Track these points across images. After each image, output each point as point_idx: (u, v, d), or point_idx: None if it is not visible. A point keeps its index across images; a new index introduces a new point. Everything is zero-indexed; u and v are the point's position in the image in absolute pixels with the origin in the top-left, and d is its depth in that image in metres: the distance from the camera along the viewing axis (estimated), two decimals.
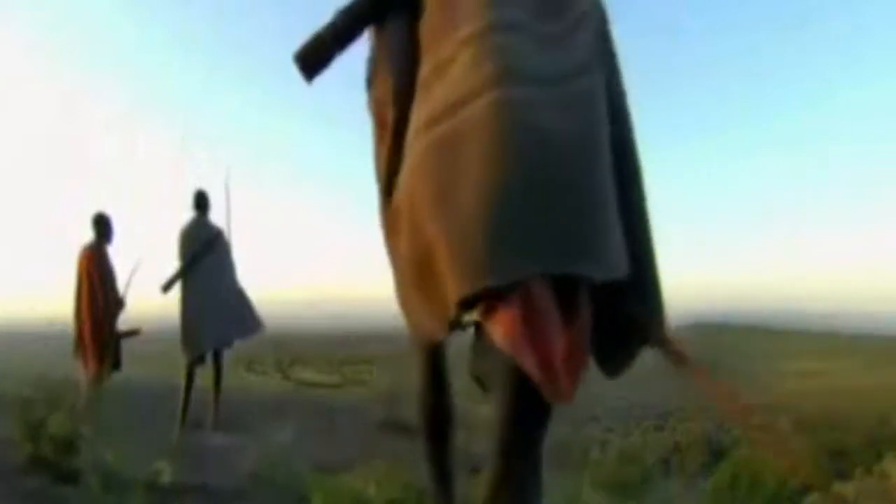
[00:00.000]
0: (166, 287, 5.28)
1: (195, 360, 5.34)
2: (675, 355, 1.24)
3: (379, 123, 1.29)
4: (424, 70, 1.16)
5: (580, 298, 1.02)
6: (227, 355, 5.63)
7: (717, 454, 7.72)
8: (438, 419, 1.58)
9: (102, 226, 5.28)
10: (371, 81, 1.31)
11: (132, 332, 5.37)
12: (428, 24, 1.19)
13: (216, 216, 5.58)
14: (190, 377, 5.33)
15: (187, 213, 5.55)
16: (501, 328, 1.00)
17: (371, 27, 1.29)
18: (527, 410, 1.09)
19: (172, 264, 5.34)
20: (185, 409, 5.29)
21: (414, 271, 1.11)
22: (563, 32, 1.12)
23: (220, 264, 5.43)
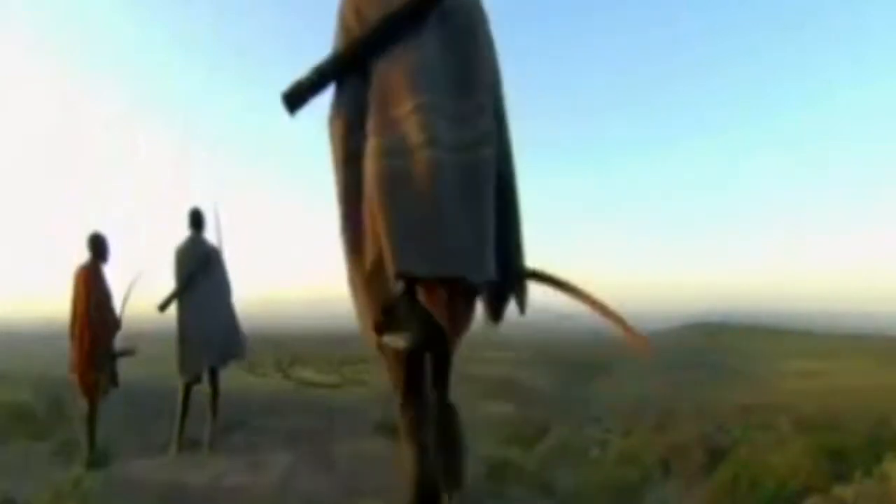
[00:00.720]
0: (163, 306, 5.31)
1: (192, 380, 5.34)
2: (550, 280, 1.86)
3: (336, 152, 1.82)
4: (372, 122, 1.72)
5: (462, 286, 1.65)
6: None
7: (716, 455, 7.70)
8: (420, 417, 1.89)
9: (98, 245, 5.27)
10: (331, 120, 1.84)
11: (128, 352, 5.41)
12: (374, 91, 1.74)
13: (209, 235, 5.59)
14: (186, 396, 5.32)
15: (187, 211, 5.53)
16: (424, 291, 1.64)
17: (339, 79, 1.83)
18: (438, 337, 1.72)
19: (168, 282, 5.36)
20: (181, 427, 5.29)
21: (371, 271, 1.71)
22: (471, 111, 1.72)
23: (217, 283, 5.44)
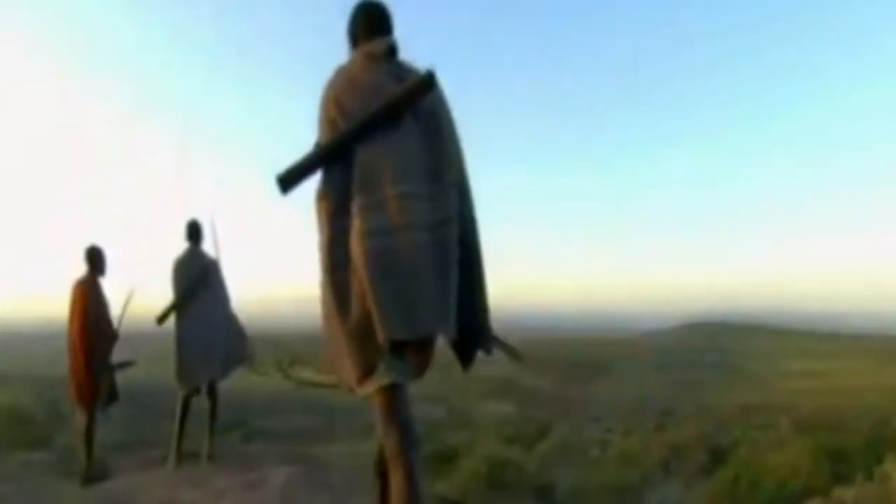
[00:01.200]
0: (161, 319, 5.28)
1: (191, 393, 5.31)
2: (505, 347, 2.37)
3: (322, 233, 2.13)
4: (357, 204, 2.01)
5: (433, 339, 2.06)
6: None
7: (716, 455, 7.70)
8: (407, 443, 2.09)
9: (95, 258, 5.24)
10: (319, 198, 2.13)
11: (127, 364, 5.37)
12: (358, 176, 2.05)
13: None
14: (185, 408, 5.30)
15: (185, 223, 5.52)
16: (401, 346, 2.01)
17: (327, 165, 2.15)
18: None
19: (166, 294, 5.33)
20: (179, 441, 5.26)
21: (354, 326, 2.04)
22: (440, 193, 2.05)
23: (215, 296, 5.42)
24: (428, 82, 2.16)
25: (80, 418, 5.18)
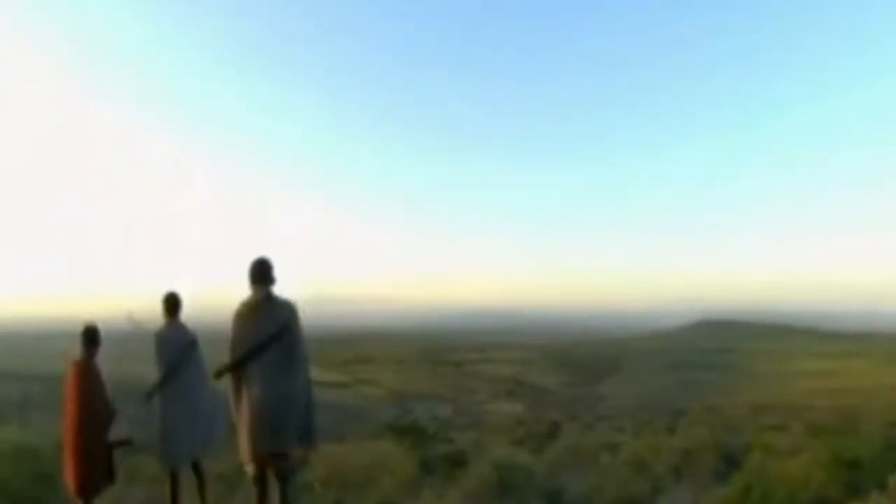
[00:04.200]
0: (149, 396, 5.31)
1: (175, 471, 5.33)
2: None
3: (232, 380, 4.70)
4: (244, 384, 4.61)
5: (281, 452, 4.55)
6: None
7: (728, 460, 7.63)
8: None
9: (91, 338, 5.18)
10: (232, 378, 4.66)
11: (124, 443, 5.24)
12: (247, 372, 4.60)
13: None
14: (174, 485, 5.32)
15: (163, 297, 5.51)
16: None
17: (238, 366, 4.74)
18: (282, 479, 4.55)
19: (150, 369, 5.36)
20: None
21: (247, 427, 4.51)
22: (272, 326, 4.50)
23: (199, 373, 5.45)
24: (279, 334, 4.42)
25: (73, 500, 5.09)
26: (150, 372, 5.40)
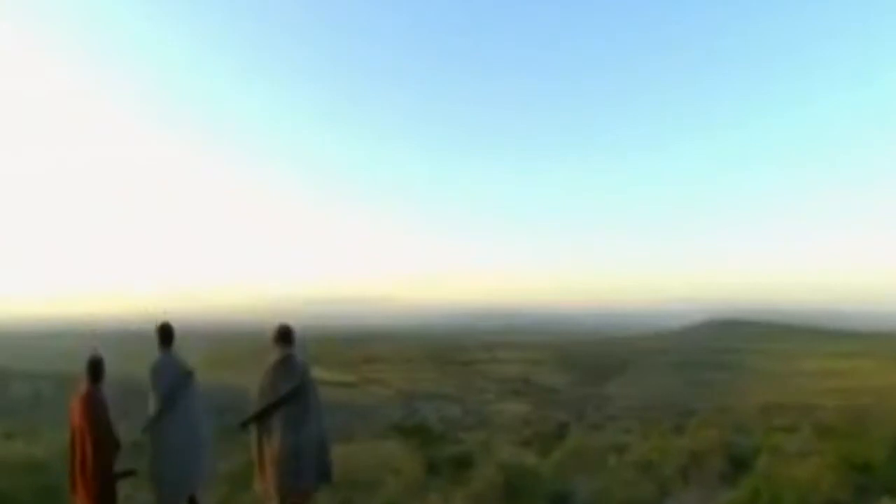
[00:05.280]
0: (146, 430, 5.35)
1: None
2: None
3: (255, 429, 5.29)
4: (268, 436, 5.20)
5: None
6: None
7: (736, 462, 7.58)
8: None
9: (95, 370, 5.18)
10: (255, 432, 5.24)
11: (128, 473, 5.31)
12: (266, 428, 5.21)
13: None
14: None
15: (157, 327, 5.52)
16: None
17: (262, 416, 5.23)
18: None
19: (146, 401, 5.40)
20: None
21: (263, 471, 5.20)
22: (291, 383, 5.09)
23: (196, 405, 5.49)
24: (296, 390, 4.99)
25: None
26: (146, 404, 5.40)
